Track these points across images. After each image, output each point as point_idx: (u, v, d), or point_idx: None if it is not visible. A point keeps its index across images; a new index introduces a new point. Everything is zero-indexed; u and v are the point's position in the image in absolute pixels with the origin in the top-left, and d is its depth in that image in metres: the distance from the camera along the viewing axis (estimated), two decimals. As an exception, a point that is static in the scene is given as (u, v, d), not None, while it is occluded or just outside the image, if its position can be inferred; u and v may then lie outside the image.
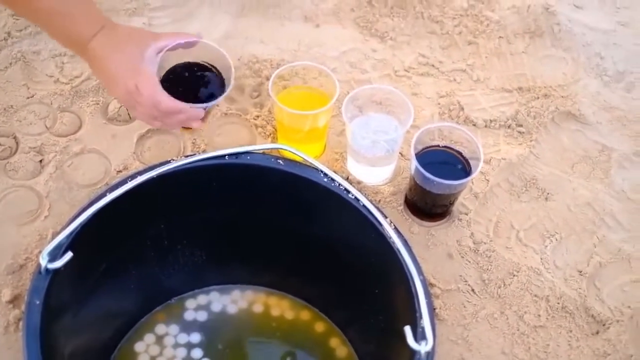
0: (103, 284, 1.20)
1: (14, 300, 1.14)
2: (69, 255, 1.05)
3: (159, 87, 1.13)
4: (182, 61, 1.22)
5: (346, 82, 1.47)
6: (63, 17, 1.12)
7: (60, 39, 1.18)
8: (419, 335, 1.02)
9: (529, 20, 1.61)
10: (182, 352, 1.31)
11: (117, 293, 1.25)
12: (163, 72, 1.20)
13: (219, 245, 1.30)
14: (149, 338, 1.32)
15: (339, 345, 1.33)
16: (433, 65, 1.54)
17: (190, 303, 1.36)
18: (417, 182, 1.21)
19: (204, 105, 1.18)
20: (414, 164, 1.19)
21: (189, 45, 1.19)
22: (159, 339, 1.32)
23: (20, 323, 1.11)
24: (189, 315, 1.35)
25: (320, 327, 1.35)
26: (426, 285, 1.07)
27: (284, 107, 1.24)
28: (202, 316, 1.35)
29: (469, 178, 1.19)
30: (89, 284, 1.17)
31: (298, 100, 1.27)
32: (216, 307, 1.36)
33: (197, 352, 1.31)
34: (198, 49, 1.21)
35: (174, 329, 1.33)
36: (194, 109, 1.17)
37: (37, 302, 1.02)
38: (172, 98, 1.14)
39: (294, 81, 1.32)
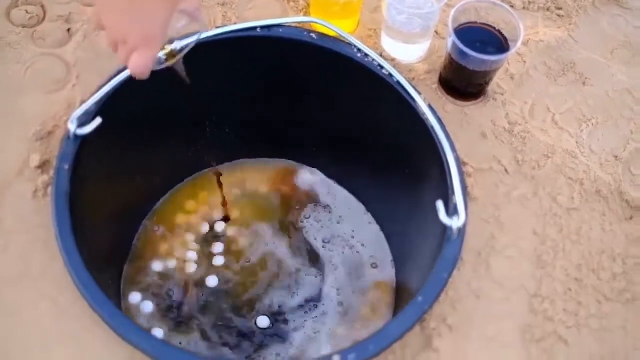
0: (130, 155, 1.20)
1: (42, 166, 1.13)
2: (97, 121, 1.04)
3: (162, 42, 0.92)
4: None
5: (381, -41, 1.43)
6: None
7: None
8: (451, 211, 1.01)
9: None
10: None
11: (144, 165, 1.24)
12: None
13: (248, 121, 1.29)
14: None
15: (366, 224, 1.33)
16: (470, -54, 1.49)
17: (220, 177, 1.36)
18: (453, 57, 1.18)
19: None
20: (450, 38, 1.16)
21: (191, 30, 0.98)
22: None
23: (49, 188, 1.11)
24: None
25: (349, 206, 1.35)
26: (459, 161, 1.06)
27: None
28: (231, 190, 1.35)
29: (506, 54, 1.16)
30: (116, 155, 1.16)
31: None
32: (245, 183, 1.37)
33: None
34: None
35: (203, 196, 1.33)
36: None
37: (66, 167, 1.02)
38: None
39: (328, -44, 1.29)
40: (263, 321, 1.22)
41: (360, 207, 1.34)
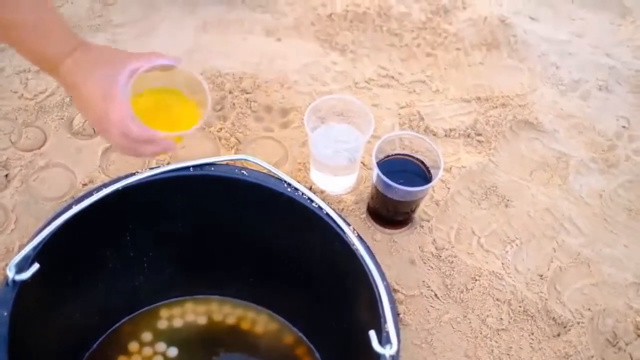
0: (70, 294, 1.20)
1: (-19, 312, 1.14)
2: (35, 266, 1.06)
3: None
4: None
5: (307, 94, 1.49)
6: (35, 35, 1.02)
7: (31, 57, 1.06)
8: (384, 340, 1.03)
9: (485, 32, 1.65)
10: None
11: (85, 303, 1.25)
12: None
13: (185, 257, 1.31)
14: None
15: (304, 354, 1.34)
16: (393, 77, 1.57)
17: (160, 312, 1.37)
18: (379, 189, 1.23)
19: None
20: (375, 171, 1.21)
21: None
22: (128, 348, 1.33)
23: (-12, 334, 1.11)
24: (159, 325, 1.35)
25: (287, 337, 1.36)
26: (390, 290, 1.09)
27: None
28: (171, 326, 1.36)
29: (429, 185, 1.21)
30: (56, 295, 1.17)
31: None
32: (185, 318, 1.37)
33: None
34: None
35: (145, 336, 1.34)
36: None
37: (5, 314, 1.02)
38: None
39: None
40: None
41: (298, 338, 1.36)
